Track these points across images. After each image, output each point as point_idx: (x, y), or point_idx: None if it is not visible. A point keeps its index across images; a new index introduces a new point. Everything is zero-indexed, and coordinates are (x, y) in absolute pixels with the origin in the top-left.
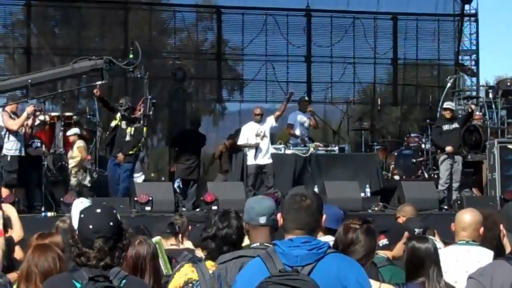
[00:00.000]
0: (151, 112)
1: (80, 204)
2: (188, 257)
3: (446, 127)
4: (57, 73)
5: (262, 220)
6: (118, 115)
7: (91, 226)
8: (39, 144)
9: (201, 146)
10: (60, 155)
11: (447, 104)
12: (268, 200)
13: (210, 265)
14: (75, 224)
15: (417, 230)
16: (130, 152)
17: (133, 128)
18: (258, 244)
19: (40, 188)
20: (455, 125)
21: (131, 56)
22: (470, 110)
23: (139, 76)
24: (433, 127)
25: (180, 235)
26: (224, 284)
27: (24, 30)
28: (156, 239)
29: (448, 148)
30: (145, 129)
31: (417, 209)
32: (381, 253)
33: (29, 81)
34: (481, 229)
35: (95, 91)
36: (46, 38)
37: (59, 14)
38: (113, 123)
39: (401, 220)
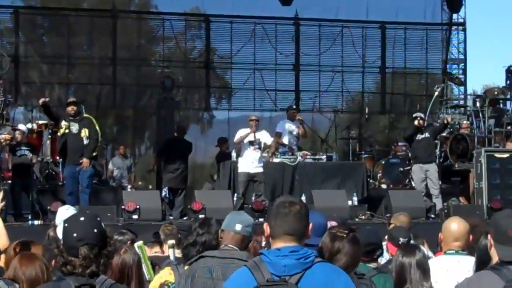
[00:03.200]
0: None
1: (66, 211)
2: (172, 263)
3: (417, 136)
4: None
5: (238, 227)
6: (63, 122)
7: (75, 234)
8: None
9: (188, 154)
10: (47, 163)
11: (416, 114)
12: (248, 216)
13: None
14: (60, 233)
15: (401, 239)
16: (94, 154)
17: (87, 130)
18: (224, 245)
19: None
20: (426, 134)
21: None
22: (445, 122)
23: None
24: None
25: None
26: (190, 283)
27: (12, 38)
28: (139, 243)
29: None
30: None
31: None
32: (368, 264)
33: None
34: (470, 238)
35: (41, 100)
36: (35, 46)
37: (48, 22)
38: (60, 131)
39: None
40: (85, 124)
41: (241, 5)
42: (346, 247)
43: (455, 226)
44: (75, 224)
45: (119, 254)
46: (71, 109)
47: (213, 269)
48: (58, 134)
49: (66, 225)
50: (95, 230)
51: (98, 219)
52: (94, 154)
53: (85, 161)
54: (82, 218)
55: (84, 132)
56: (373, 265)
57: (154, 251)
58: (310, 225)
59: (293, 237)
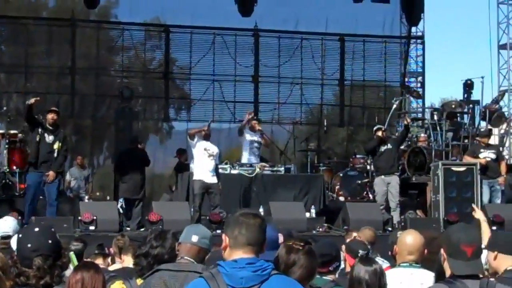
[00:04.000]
0: None
1: (3, 222)
2: (109, 275)
3: (379, 148)
4: None
5: (194, 238)
6: (39, 129)
7: (29, 245)
8: None
9: (144, 164)
10: (4, 173)
11: (378, 126)
12: (206, 228)
13: (140, 282)
14: (14, 244)
15: (361, 252)
16: (59, 170)
17: (60, 144)
18: (180, 258)
19: None
20: (388, 145)
21: None
22: (406, 123)
23: None
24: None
25: (109, 257)
26: None
27: None
28: (69, 254)
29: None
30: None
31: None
32: (324, 276)
33: None
34: (425, 251)
35: (33, 100)
36: None
37: (6, 30)
38: (38, 138)
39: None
40: (59, 138)
41: (201, 16)
42: (301, 260)
43: (410, 239)
44: (29, 235)
45: (80, 270)
46: (51, 117)
47: (169, 282)
48: (36, 140)
49: (20, 235)
50: (50, 241)
51: (53, 230)
52: (60, 170)
53: (51, 174)
54: (36, 229)
55: (57, 145)
56: (330, 277)
57: (97, 263)
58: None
59: (254, 248)
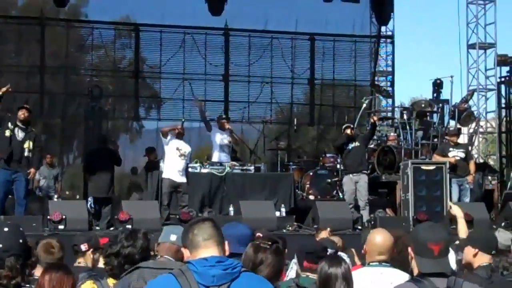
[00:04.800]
0: None
1: None
2: (86, 276)
3: (348, 146)
4: None
5: (173, 238)
6: (9, 124)
7: (0, 245)
8: None
9: (114, 163)
10: None
11: (346, 124)
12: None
13: (112, 282)
14: None
15: (329, 250)
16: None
17: (31, 143)
18: (159, 257)
19: None
20: (356, 143)
21: None
22: (372, 121)
23: None
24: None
25: (90, 250)
26: None
27: None
28: None
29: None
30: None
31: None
32: (311, 276)
33: None
34: (394, 250)
35: (5, 88)
36: None
37: None
38: (7, 133)
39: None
40: (30, 136)
41: (171, 15)
42: (269, 259)
43: (379, 238)
44: None
45: (53, 271)
46: (22, 113)
47: (148, 280)
48: (6, 135)
49: None
50: (20, 241)
51: (21, 229)
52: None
53: (32, 171)
54: (6, 229)
55: (28, 144)
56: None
57: (78, 261)
58: (226, 242)
59: (211, 242)
